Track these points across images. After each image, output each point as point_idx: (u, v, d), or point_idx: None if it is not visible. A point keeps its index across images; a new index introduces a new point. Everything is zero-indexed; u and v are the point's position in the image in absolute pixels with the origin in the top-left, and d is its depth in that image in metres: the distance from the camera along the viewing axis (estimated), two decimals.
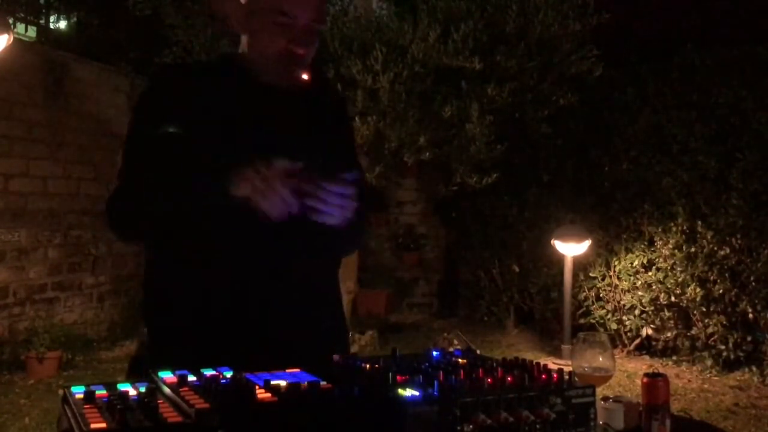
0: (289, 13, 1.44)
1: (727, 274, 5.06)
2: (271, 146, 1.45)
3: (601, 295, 5.73)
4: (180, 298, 1.52)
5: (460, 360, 1.37)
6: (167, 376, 1.21)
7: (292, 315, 1.51)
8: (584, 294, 5.80)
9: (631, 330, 5.60)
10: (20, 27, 5.99)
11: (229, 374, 1.23)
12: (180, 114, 1.47)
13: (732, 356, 5.09)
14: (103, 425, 0.98)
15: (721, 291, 5.07)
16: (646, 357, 5.58)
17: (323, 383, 1.15)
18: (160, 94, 1.54)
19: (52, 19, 6.61)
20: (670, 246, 5.28)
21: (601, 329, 5.50)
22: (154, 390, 1.13)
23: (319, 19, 1.48)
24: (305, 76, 1.59)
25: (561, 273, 5.58)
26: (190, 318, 1.50)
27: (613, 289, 5.64)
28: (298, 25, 1.46)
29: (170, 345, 1.52)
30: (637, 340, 5.64)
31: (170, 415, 1.03)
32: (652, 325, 5.54)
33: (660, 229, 5.36)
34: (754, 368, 5.00)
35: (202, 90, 1.51)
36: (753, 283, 4.98)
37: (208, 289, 1.49)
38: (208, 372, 1.24)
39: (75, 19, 6.75)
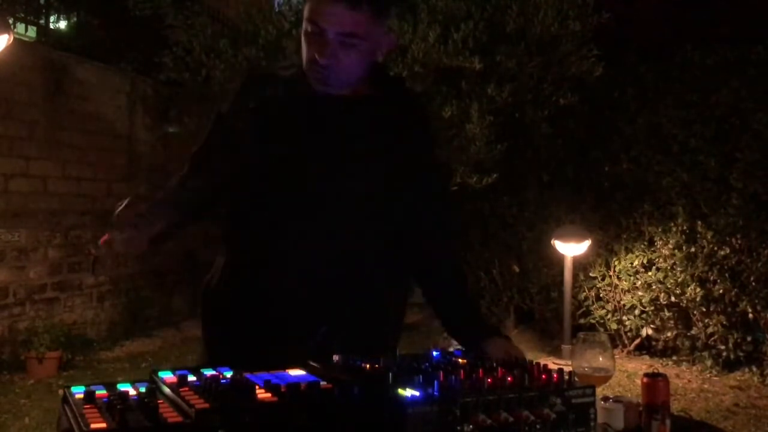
0: (319, 23, 1.46)
1: (727, 274, 5.06)
2: (312, 154, 1.53)
3: (601, 295, 5.73)
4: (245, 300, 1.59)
5: (460, 360, 1.37)
6: (167, 376, 1.21)
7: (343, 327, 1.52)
8: (584, 294, 5.80)
9: (631, 330, 5.60)
10: (20, 27, 5.99)
11: (229, 374, 1.23)
12: (251, 125, 1.57)
13: (732, 356, 5.09)
14: (103, 425, 0.98)
15: (721, 291, 5.07)
16: (646, 357, 5.58)
17: (323, 383, 1.15)
18: (238, 105, 1.63)
19: (52, 19, 6.60)
20: (670, 246, 5.28)
21: (601, 329, 5.49)
22: (154, 390, 1.14)
23: (351, 33, 1.46)
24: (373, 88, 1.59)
25: (561, 273, 5.58)
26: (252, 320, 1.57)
27: (613, 289, 5.64)
28: (326, 37, 1.47)
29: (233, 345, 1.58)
30: (637, 340, 5.64)
31: (170, 415, 1.03)
32: (652, 325, 5.54)
33: (660, 229, 5.36)
34: (754, 368, 5.00)
35: (272, 101, 1.58)
36: (753, 283, 4.97)
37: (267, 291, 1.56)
38: (208, 372, 1.24)
39: (75, 19, 6.75)
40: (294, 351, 1.38)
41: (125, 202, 1.47)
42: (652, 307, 5.44)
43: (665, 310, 5.40)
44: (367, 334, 1.51)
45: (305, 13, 1.49)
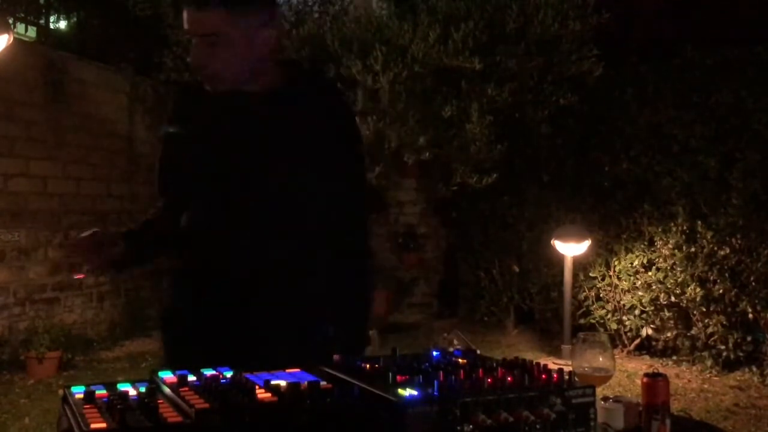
0: (187, 30, 1.55)
1: (727, 274, 5.06)
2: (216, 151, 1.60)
3: (601, 295, 5.73)
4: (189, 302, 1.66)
5: (460, 360, 1.37)
6: (167, 376, 1.21)
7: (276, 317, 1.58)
8: (584, 294, 5.80)
9: (631, 330, 5.60)
10: (20, 27, 5.99)
11: (229, 374, 1.23)
12: (178, 136, 1.67)
13: (732, 356, 5.09)
14: (103, 425, 0.98)
15: (721, 291, 5.07)
16: (646, 357, 5.58)
17: (323, 383, 1.15)
18: (168, 119, 1.74)
19: (52, 19, 6.61)
20: (670, 246, 5.28)
21: (601, 329, 5.49)
22: (154, 390, 1.14)
23: (209, 33, 1.52)
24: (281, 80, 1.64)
25: (561, 273, 5.58)
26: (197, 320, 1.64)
27: (613, 289, 5.64)
28: (194, 41, 1.56)
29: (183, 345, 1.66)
30: (637, 340, 5.64)
31: (170, 415, 1.03)
32: (652, 325, 5.54)
33: (660, 229, 5.36)
34: (754, 368, 5.00)
35: (191, 109, 1.68)
36: (753, 283, 4.97)
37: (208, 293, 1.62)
38: (208, 372, 1.24)
39: (75, 19, 6.75)
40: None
41: (87, 233, 1.56)
42: (652, 307, 5.44)
43: (665, 310, 5.40)
44: (304, 319, 1.58)
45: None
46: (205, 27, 1.51)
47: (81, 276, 1.60)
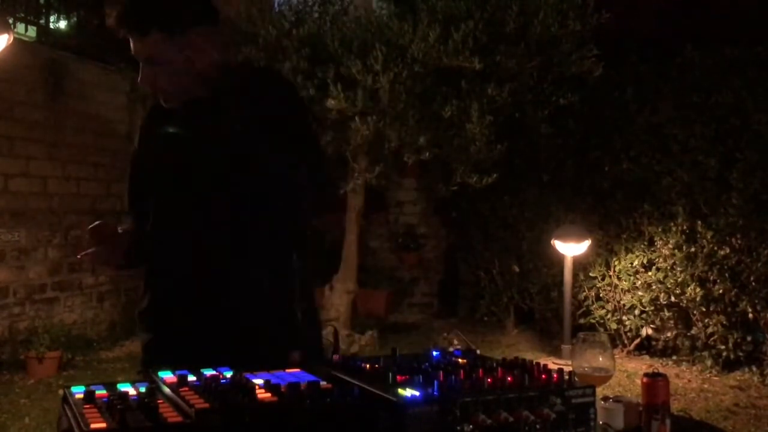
0: (134, 53, 1.66)
1: (727, 274, 5.06)
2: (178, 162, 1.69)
3: (601, 295, 5.73)
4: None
5: (460, 360, 1.37)
6: (167, 376, 1.21)
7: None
8: (584, 294, 5.80)
9: (631, 330, 5.60)
10: (20, 27, 5.98)
11: (229, 374, 1.23)
12: (145, 150, 1.80)
13: (732, 356, 5.09)
14: (103, 425, 0.98)
15: (721, 291, 5.07)
16: (646, 357, 5.58)
17: (323, 383, 1.15)
18: (139, 136, 1.84)
19: (52, 19, 6.59)
20: (670, 246, 5.28)
21: (601, 329, 5.49)
22: (154, 390, 1.14)
23: (150, 57, 1.63)
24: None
25: (561, 273, 5.58)
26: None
27: (613, 289, 5.64)
28: (140, 64, 1.66)
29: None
30: (637, 340, 5.64)
31: (170, 415, 1.03)
32: (652, 325, 5.54)
33: (660, 229, 5.36)
34: (754, 368, 5.00)
35: (155, 125, 1.78)
36: (753, 283, 4.97)
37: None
38: (208, 372, 1.24)
39: (75, 19, 6.74)
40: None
41: (98, 222, 1.63)
42: (652, 307, 5.44)
43: (665, 310, 5.40)
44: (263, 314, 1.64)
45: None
46: (146, 51, 1.63)
47: (87, 254, 1.62)
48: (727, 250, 5.05)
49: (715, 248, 5.08)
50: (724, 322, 5.10)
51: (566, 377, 1.21)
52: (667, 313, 5.41)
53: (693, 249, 5.18)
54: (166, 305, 1.73)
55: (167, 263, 1.72)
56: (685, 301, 5.25)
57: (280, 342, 1.57)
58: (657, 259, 5.38)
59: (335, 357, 1.41)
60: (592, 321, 5.72)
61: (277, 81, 1.90)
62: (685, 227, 5.23)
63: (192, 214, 1.67)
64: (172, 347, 1.65)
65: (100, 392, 1.13)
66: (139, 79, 1.67)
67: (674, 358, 5.42)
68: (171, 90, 1.67)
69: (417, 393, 1.09)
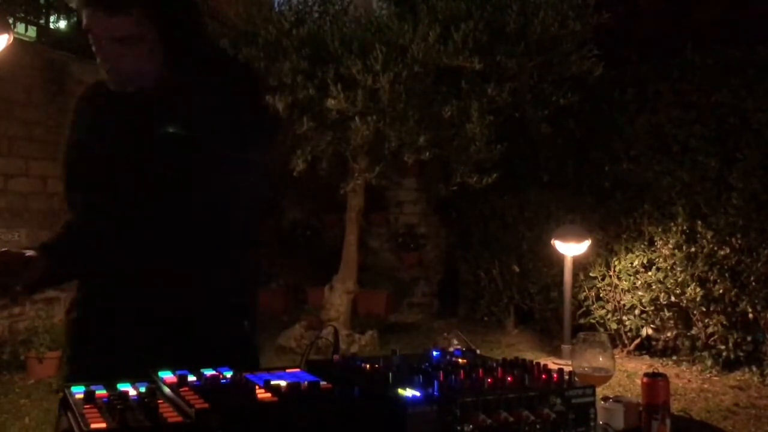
0: (91, 31, 1.52)
1: (727, 274, 5.06)
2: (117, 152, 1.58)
3: (601, 295, 5.73)
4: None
5: (460, 360, 1.37)
6: (167, 376, 1.21)
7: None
8: (584, 294, 5.80)
9: (631, 330, 5.60)
10: (20, 27, 5.99)
11: (229, 374, 1.23)
12: (79, 144, 1.67)
13: (732, 356, 5.09)
14: (103, 425, 0.98)
15: (721, 291, 5.07)
16: (646, 357, 5.58)
17: (323, 383, 1.15)
18: (70, 129, 1.72)
19: (52, 19, 6.60)
20: (670, 246, 5.28)
21: (601, 329, 5.49)
22: (154, 390, 1.13)
23: (120, 37, 1.50)
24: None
25: (561, 273, 5.58)
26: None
27: (613, 289, 5.64)
28: (101, 43, 1.52)
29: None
30: (637, 340, 5.64)
31: (170, 415, 1.03)
32: (652, 325, 5.54)
33: (660, 229, 5.36)
34: (754, 368, 5.00)
35: (91, 116, 1.67)
36: (753, 283, 4.97)
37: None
38: (208, 372, 1.24)
39: (75, 19, 6.74)
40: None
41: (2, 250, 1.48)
42: (652, 307, 5.44)
43: (665, 310, 5.40)
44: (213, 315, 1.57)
45: (85, 26, 1.53)
46: (119, 30, 1.49)
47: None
48: (727, 250, 5.05)
49: (715, 248, 5.08)
50: (724, 322, 5.10)
51: (566, 377, 1.21)
52: (667, 313, 5.41)
53: (693, 249, 5.18)
54: (104, 313, 1.59)
55: (104, 266, 1.59)
56: (685, 301, 5.25)
57: (226, 351, 1.48)
58: (657, 259, 5.38)
59: (335, 357, 1.41)
60: (592, 321, 5.72)
61: (237, 70, 1.78)
62: (685, 227, 5.24)
63: (135, 213, 1.56)
64: (104, 358, 1.50)
65: (100, 392, 1.13)
66: (99, 59, 1.54)
67: (674, 358, 5.42)
68: (135, 75, 1.54)
69: (417, 393, 1.09)
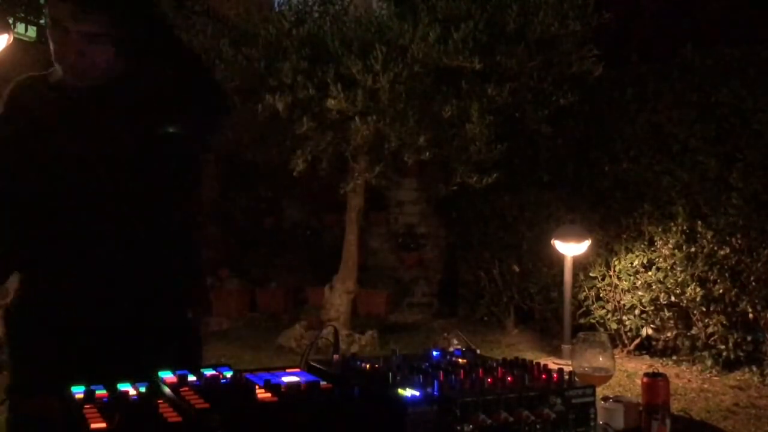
0: (73, 27, 1.51)
1: (727, 274, 5.06)
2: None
3: (601, 295, 5.73)
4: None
5: (460, 360, 1.37)
6: (167, 376, 1.21)
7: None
8: (584, 294, 5.80)
9: (631, 330, 5.60)
10: (20, 27, 5.98)
11: (229, 374, 1.23)
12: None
13: (732, 356, 5.09)
14: (103, 425, 0.98)
15: (721, 291, 5.07)
16: (646, 357, 5.58)
17: (323, 383, 1.15)
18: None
19: None
20: (670, 246, 5.28)
21: (601, 329, 5.49)
22: (154, 390, 1.13)
23: (100, 32, 1.51)
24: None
25: (561, 273, 5.58)
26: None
27: (613, 289, 5.64)
28: (67, 36, 1.52)
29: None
30: (637, 340, 5.64)
31: (170, 415, 1.03)
32: (652, 325, 5.54)
33: (660, 229, 5.36)
34: (754, 368, 5.00)
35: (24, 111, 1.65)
36: (753, 283, 4.97)
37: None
38: (208, 372, 1.24)
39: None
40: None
41: None
42: (652, 307, 5.44)
43: (665, 309, 5.40)
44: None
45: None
46: (95, 26, 1.51)
47: None
48: (727, 250, 5.05)
49: (715, 248, 5.08)
50: (724, 322, 5.10)
51: (566, 377, 1.21)
52: (667, 313, 5.41)
53: (693, 249, 5.18)
54: (42, 312, 1.57)
55: (38, 258, 1.58)
56: (685, 301, 5.25)
57: (168, 342, 1.51)
58: (657, 259, 5.38)
59: (335, 357, 1.41)
60: (592, 321, 5.73)
61: (186, 53, 1.79)
62: (685, 227, 5.24)
63: (79, 208, 1.55)
64: (46, 361, 1.50)
65: (100, 392, 1.13)
66: (59, 53, 1.54)
67: (674, 358, 5.42)
68: (96, 73, 1.55)
69: (417, 393, 1.09)
